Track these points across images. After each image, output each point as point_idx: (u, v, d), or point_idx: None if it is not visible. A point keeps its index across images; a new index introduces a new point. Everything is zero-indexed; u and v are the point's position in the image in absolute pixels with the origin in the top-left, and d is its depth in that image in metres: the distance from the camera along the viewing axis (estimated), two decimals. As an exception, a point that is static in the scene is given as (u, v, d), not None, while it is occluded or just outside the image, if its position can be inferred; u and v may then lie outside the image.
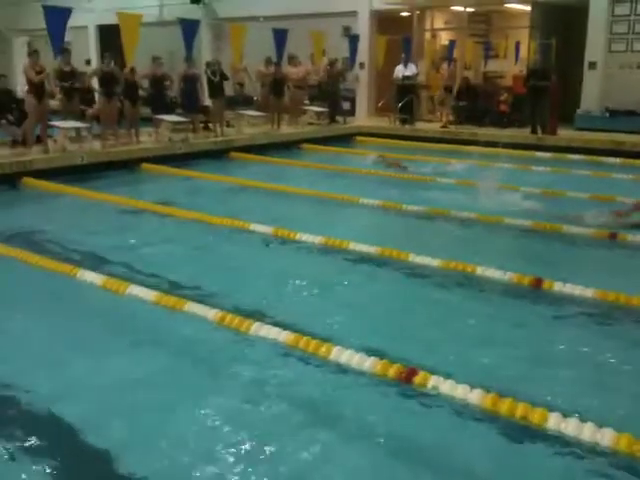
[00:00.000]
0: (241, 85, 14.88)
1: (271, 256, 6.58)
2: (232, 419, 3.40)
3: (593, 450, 3.11)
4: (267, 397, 3.62)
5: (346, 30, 18.13)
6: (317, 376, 3.86)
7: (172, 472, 2.99)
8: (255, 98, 16.10)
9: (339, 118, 16.17)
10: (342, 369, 3.86)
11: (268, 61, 14.89)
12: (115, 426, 3.32)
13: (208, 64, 13.59)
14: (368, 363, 3.82)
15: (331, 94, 16.03)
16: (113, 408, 3.50)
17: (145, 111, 12.61)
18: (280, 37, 15.14)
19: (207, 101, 13.82)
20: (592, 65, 15.11)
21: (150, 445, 3.18)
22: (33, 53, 10.57)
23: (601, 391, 3.75)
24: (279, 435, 3.25)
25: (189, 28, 13.58)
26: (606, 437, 3.10)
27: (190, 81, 12.76)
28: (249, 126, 14.57)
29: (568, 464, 3.08)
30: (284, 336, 4.19)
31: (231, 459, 3.06)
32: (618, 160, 11.62)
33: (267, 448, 3.13)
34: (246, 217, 7.42)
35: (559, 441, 3.19)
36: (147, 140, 12.38)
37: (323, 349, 4.00)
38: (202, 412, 3.45)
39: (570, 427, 3.20)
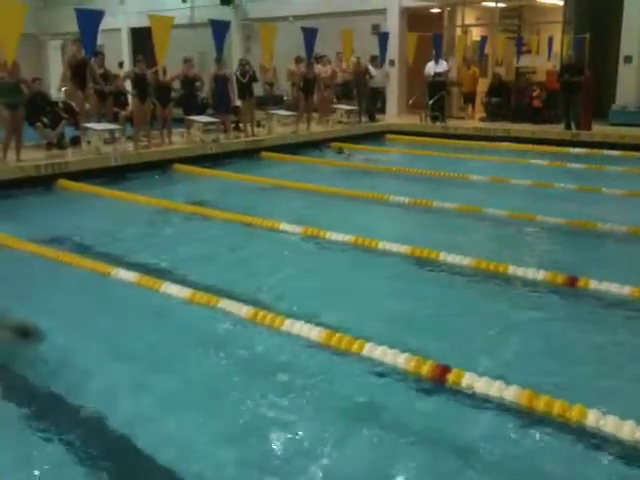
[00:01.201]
0: (271, 85, 14.92)
1: (301, 255, 6.59)
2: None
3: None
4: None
5: (375, 28, 18.07)
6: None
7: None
8: (285, 98, 16.15)
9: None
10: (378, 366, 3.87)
11: (298, 60, 14.90)
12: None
13: (240, 63, 13.66)
14: (401, 359, 3.83)
15: (364, 92, 16.02)
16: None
17: (177, 112, 12.73)
18: (310, 36, 15.13)
19: (238, 102, 13.89)
20: (628, 59, 14.80)
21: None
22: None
23: None
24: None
25: (219, 29, 13.64)
26: None
27: (221, 82, 12.84)
28: (280, 126, 14.61)
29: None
30: (316, 333, 4.22)
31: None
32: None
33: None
34: (277, 216, 7.45)
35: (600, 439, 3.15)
36: (179, 141, 12.50)
37: (355, 346, 4.03)
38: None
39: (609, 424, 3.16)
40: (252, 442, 3.22)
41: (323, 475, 2.94)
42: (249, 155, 12.36)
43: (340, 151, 12.85)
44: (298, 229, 7.02)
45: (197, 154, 11.73)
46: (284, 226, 7.14)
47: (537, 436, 3.24)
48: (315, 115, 15.46)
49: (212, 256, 6.46)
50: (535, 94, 15.78)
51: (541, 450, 3.15)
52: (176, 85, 12.75)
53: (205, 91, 13.50)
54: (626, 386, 3.75)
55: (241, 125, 13.87)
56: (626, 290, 4.90)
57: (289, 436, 3.25)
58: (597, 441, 3.16)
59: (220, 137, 12.63)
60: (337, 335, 4.15)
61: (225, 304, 4.77)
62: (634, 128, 13.45)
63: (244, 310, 4.64)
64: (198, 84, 12.79)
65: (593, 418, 3.23)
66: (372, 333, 4.27)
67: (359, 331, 4.30)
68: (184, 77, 12.41)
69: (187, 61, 12.41)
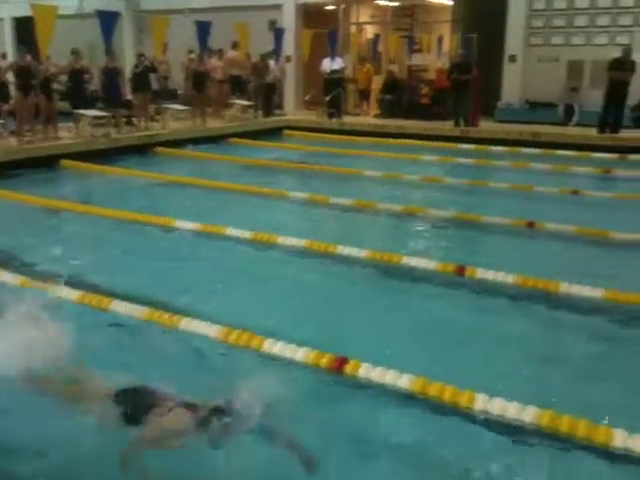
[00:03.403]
0: (165, 79, 14.57)
1: (199, 252, 6.47)
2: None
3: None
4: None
5: (272, 23, 18.06)
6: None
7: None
8: (179, 92, 15.83)
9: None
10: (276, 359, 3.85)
11: (191, 54, 14.65)
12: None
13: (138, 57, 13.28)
14: (300, 353, 3.85)
15: (264, 88, 15.99)
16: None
17: (64, 105, 12.17)
18: (203, 30, 14.90)
19: (130, 95, 13.46)
20: (512, 58, 15.59)
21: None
22: None
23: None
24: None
25: (108, 20, 13.15)
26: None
27: (111, 74, 12.39)
28: (174, 120, 14.30)
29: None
30: (215, 330, 4.16)
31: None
32: (537, 151, 12.02)
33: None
34: (173, 214, 7.29)
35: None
36: (66, 136, 11.96)
37: (255, 342, 4.01)
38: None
39: (496, 406, 3.32)
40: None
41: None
42: (143, 151, 12.01)
43: None
44: (195, 226, 6.89)
45: (86, 149, 11.26)
46: (180, 223, 6.98)
47: (431, 422, 3.35)
48: (211, 110, 15.24)
49: (103, 258, 6.21)
50: (423, 92, 16.29)
51: (435, 435, 3.26)
52: (63, 77, 12.19)
53: (94, 84, 12.99)
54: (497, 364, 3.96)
55: (134, 119, 13.46)
56: (510, 278, 5.15)
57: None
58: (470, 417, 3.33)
59: (111, 132, 12.20)
60: (236, 332, 4.11)
61: (119, 305, 4.60)
62: (519, 124, 14.19)
63: (139, 311, 4.50)
64: (87, 76, 12.29)
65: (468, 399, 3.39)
66: (272, 328, 4.25)
67: (258, 327, 4.26)
68: (71, 69, 11.89)
69: (75, 53, 11.89)
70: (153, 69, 13.32)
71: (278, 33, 17.15)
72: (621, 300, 4.79)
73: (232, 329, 4.15)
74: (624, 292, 4.84)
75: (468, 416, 3.33)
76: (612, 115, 12.81)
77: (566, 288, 4.98)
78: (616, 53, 13.18)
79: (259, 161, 11.47)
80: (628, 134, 12.65)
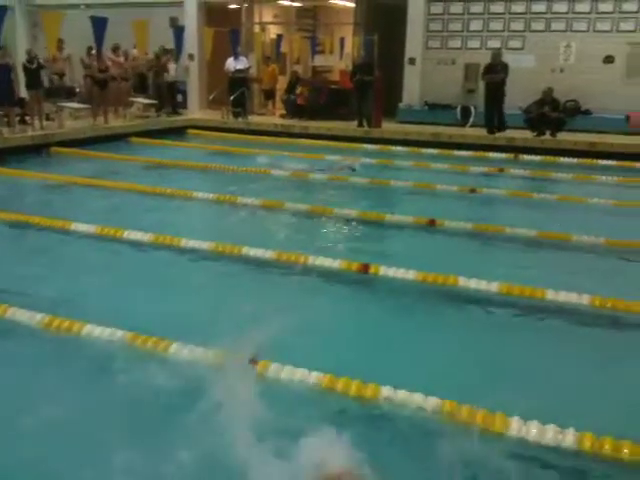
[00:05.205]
0: (61, 76, 13.98)
1: (97, 256, 6.25)
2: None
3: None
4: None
5: (174, 21, 17.73)
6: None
7: None
8: (78, 89, 15.25)
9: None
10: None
11: (90, 51, 14.15)
12: None
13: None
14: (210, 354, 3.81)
15: (164, 86, 15.68)
16: None
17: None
18: (99, 26, 14.41)
19: (24, 93, 12.84)
20: (412, 61, 16.03)
21: None
22: None
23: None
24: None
25: (-3, 14, 12.50)
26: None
27: (2, 71, 11.76)
28: (72, 119, 13.75)
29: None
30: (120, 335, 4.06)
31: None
32: (437, 151, 12.44)
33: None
34: (70, 216, 7.01)
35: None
36: (-46, 135, 11.28)
37: (161, 346, 3.95)
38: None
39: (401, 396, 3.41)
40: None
41: None
42: (37, 150, 11.47)
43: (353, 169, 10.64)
44: (92, 229, 6.65)
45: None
46: (77, 226, 6.72)
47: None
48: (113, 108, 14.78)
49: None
50: (298, 92, 16.45)
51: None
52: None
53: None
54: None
55: (27, 118, 12.85)
56: (410, 274, 5.30)
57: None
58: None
59: (3, 131, 11.59)
60: (141, 337, 4.01)
61: (14, 313, 4.39)
62: (419, 125, 14.62)
63: (37, 318, 4.31)
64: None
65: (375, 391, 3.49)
66: (175, 331, 4.18)
67: (160, 329, 4.18)
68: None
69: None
70: (42, 66, 12.74)
71: (178, 31, 16.87)
72: (515, 293, 5.03)
73: (137, 334, 4.06)
74: (518, 285, 5.08)
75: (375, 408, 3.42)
76: (496, 116, 13.52)
77: (464, 282, 5.18)
78: (509, 56, 13.89)
79: (162, 161, 11.22)
80: (520, 135, 13.30)
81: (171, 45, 16.78)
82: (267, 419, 3.17)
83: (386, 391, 3.47)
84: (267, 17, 20.02)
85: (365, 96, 14.47)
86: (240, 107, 15.64)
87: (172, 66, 16.07)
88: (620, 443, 3.06)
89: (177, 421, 3.26)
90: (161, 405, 3.45)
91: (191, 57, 17.62)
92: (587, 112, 14.50)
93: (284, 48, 19.61)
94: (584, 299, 4.84)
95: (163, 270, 5.80)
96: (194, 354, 3.87)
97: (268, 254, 5.89)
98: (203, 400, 3.27)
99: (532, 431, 3.15)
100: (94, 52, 14.27)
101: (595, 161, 11.61)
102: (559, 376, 3.93)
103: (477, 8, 15.77)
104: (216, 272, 5.78)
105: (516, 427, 3.17)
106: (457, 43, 16.02)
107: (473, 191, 8.97)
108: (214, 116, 16.17)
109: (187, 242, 6.21)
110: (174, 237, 6.31)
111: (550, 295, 4.92)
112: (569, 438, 3.09)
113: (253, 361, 3.67)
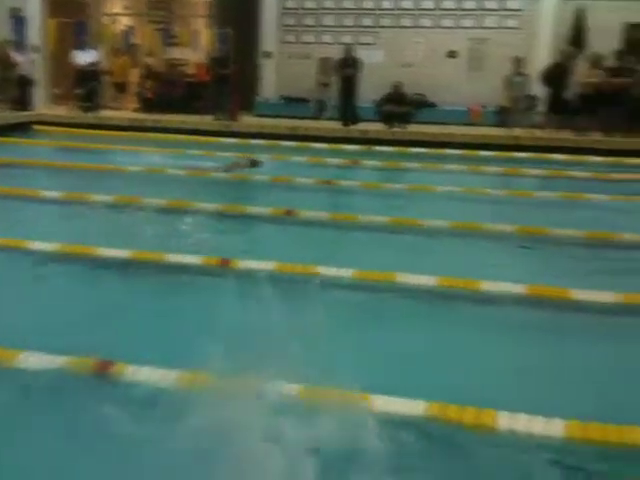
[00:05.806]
0: None
1: None
2: None
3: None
4: None
5: (15, 11, 16.61)
6: None
7: None
8: None
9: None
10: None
11: None
12: None
13: None
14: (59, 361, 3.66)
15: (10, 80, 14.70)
16: None
17: None
18: None
19: None
20: (267, 54, 16.17)
21: None
22: None
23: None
24: None
25: None
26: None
27: None
28: None
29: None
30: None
31: None
32: (294, 143, 12.64)
33: None
34: None
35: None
36: None
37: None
38: None
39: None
40: None
41: None
42: None
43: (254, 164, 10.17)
44: None
45: None
46: None
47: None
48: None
49: None
50: (147, 85, 16.19)
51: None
52: None
53: None
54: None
55: None
56: (270, 265, 5.38)
57: None
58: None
59: None
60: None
61: None
62: (276, 119, 14.77)
63: None
64: None
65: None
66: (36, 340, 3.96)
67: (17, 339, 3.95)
68: None
69: None
70: None
71: (18, 22, 15.86)
72: (369, 279, 5.27)
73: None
74: (370, 271, 5.32)
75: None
76: (349, 109, 14.04)
77: (324, 270, 5.33)
78: (362, 52, 14.46)
79: (4, 159, 10.51)
80: (373, 127, 13.83)
81: (13, 37, 15.73)
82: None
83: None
84: (117, 8, 19.30)
85: (223, 89, 14.40)
86: (90, 101, 14.99)
87: (20, 59, 15.07)
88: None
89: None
90: None
91: (36, 49, 16.60)
92: (433, 105, 15.35)
93: (136, 40, 18.99)
94: (431, 280, 5.16)
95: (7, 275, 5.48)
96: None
97: (125, 254, 5.72)
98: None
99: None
100: None
101: (442, 151, 12.33)
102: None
103: (329, 3, 16.17)
104: (65, 276, 5.53)
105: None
106: (311, 38, 16.36)
107: (328, 183, 9.23)
108: (61, 111, 15.37)
109: (34, 244, 5.89)
110: (21, 240, 5.96)
111: (400, 278, 5.20)
112: None
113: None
